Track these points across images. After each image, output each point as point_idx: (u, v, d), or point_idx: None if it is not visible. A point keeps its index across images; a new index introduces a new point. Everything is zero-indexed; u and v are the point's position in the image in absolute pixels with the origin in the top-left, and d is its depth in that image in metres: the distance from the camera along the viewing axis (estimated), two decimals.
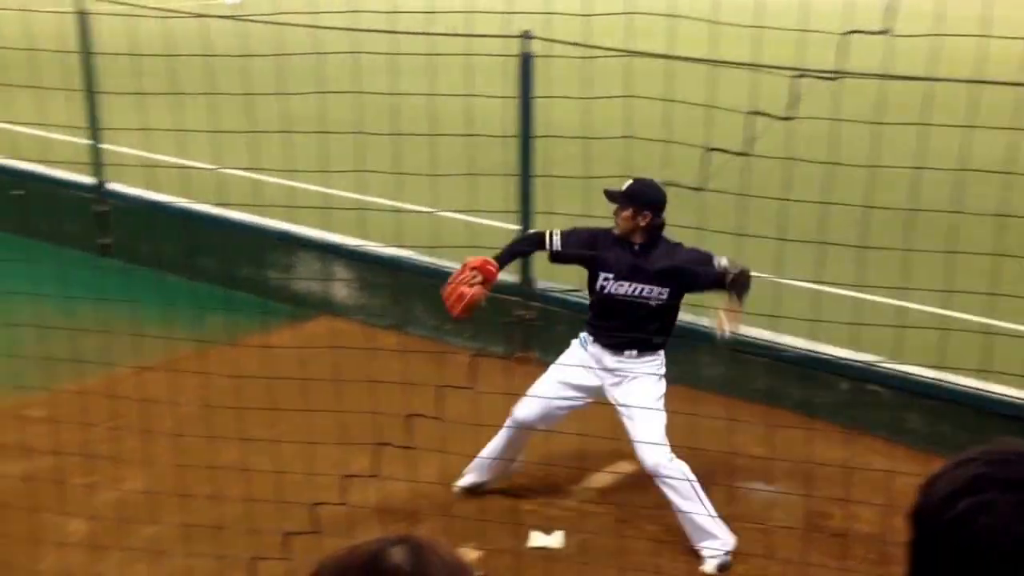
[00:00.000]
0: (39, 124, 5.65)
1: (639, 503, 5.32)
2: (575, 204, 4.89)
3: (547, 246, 4.95)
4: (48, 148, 8.04)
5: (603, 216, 4.75)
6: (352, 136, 4.76)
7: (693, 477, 4.79)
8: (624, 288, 4.83)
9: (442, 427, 3.89)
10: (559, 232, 4.92)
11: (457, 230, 5.53)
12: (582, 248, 4.85)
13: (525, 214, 6.77)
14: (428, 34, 4.16)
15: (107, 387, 4.67)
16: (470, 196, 5.22)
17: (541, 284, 6.88)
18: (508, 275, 6.83)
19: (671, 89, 4.06)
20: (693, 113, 4.31)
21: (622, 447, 5.37)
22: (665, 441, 4.79)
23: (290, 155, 5.04)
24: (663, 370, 4.94)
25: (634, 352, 4.96)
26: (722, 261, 4.78)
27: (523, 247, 5.38)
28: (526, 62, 6.41)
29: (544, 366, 6.50)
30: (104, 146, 8.43)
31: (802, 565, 4.53)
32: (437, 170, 5.06)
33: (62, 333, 4.68)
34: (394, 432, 3.83)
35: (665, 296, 4.85)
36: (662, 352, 4.96)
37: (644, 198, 4.73)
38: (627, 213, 4.72)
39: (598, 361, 4.96)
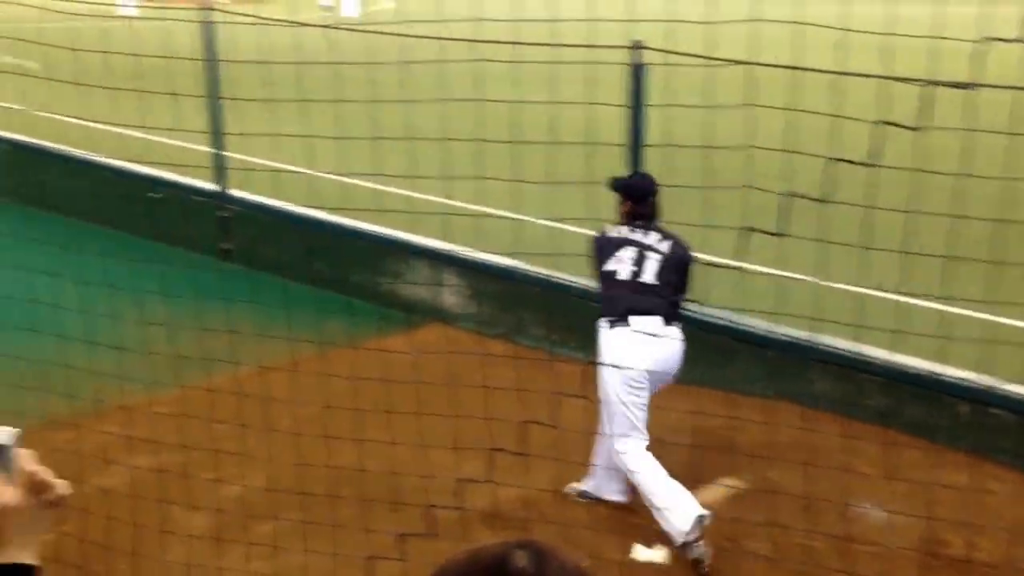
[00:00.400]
0: (162, 129, 5.87)
1: (747, 519, 5.25)
2: (694, 213, 4.88)
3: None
4: (176, 154, 8.36)
5: (721, 226, 4.72)
6: (471, 146, 4.84)
7: (640, 484, 4.86)
8: None
9: (554, 435, 3.91)
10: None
11: (574, 240, 5.56)
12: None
13: None
14: (542, 44, 4.19)
15: (232, 386, 4.84)
16: (586, 207, 5.25)
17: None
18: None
19: (795, 100, 4.00)
20: (818, 124, 4.24)
21: (733, 461, 5.31)
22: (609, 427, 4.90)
23: (411, 165, 5.14)
24: (599, 348, 4.98)
25: None
26: None
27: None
28: (637, 72, 6.41)
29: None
30: (228, 154, 8.73)
31: None
32: (554, 181, 5.10)
33: (189, 333, 4.87)
34: (506, 439, 3.86)
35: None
36: (600, 328, 5.02)
37: (618, 186, 5.17)
38: (617, 201, 5.17)
39: None
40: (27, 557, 1.58)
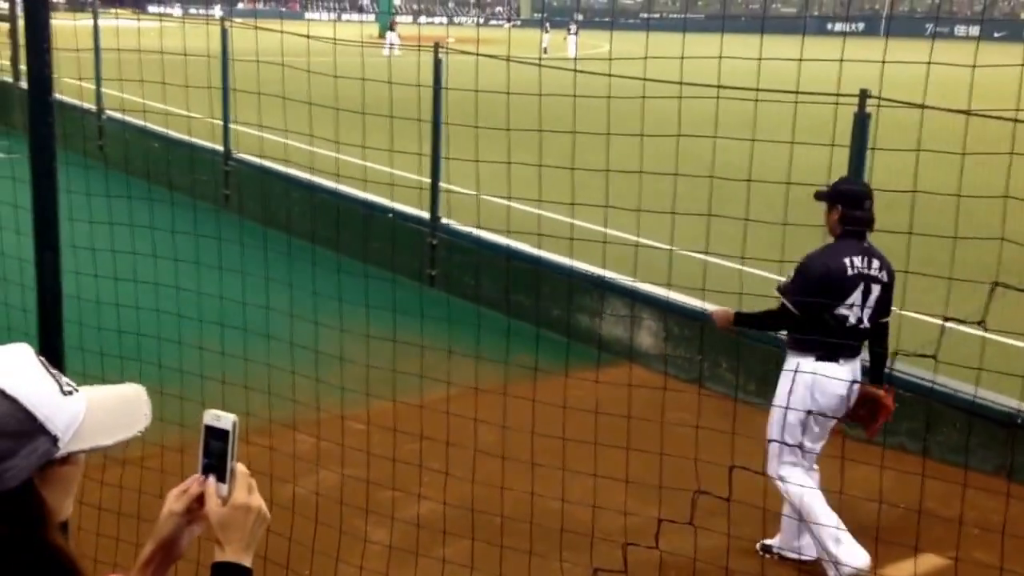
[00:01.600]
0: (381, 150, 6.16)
1: None
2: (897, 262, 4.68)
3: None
4: (393, 182, 8.73)
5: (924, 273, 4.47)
6: (687, 192, 4.82)
7: (804, 504, 4.78)
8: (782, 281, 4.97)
9: (760, 486, 3.79)
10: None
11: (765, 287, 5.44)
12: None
13: None
14: (778, 92, 4.14)
15: (429, 405, 4.98)
16: (784, 253, 5.11)
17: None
18: None
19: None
20: None
21: (936, 533, 5.00)
22: (776, 450, 4.83)
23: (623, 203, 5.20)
24: (789, 378, 4.81)
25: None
26: (784, 281, 4.83)
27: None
28: (862, 122, 6.22)
29: (849, 437, 6.19)
30: (443, 184, 9.06)
31: None
32: (758, 229, 5.00)
33: (386, 350, 5.05)
34: (709, 485, 3.80)
35: (790, 280, 4.84)
36: (795, 357, 4.86)
37: (833, 192, 4.88)
38: (824, 209, 4.94)
39: None
40: (246, 559, 1.66)
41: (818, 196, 4.97)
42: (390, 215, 9.36)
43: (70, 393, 1.44)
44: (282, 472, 4.79)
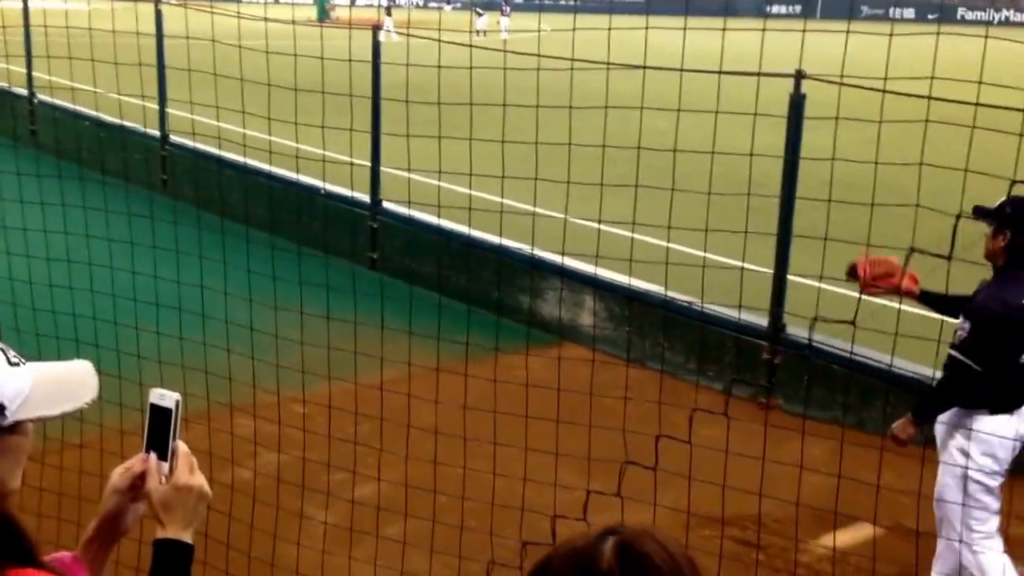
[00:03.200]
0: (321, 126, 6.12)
1: (881, 569, 5.07)
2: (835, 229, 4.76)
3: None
4: (335, 168, 8.69)
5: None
6: (619, 170, 4.87)
7: None
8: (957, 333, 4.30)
9: (685, 458, 3.87)
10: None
11: (709, 270, 5.52)
12: None
13: (783, 256, 6.65)
14: (701, 71, 4.19)
15: (371, 386, 4.99)
16: (726, 237, 5.17)
17: (791, 329, 6.72)
18: (756, 317, 6.75)
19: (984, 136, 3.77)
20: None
21: (869, 504, 5.14)
22: (955, 531, 4.32)
23: (551, 186, 5.22)
24: (967, 443, 4.28)
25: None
26: (960, 335, 4.26)
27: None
28: (797, 103, 6.31)
29: (786, 413, 6.30)
30: (383, 168, 9.03)
31: None
32: (695, 207, 5.07)
33: (337, 333, 5.06)
34: (642, 457, 3.87)
35: (966, 334, 4.20)
36: (973, 417, 4.27)
37: (1008, 213, 4.17)
38: (989, 232, 4.27)
39: None
40: (186, 536, 1.68)
41: (983, 214, 4.24)
42: (322, 193, 9.28)
43: (17, 364, 1.47)
44: (223, 453, 4.77)
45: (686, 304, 6.93)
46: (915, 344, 4.19)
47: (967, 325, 4.23)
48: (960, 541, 4.33)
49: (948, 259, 3.24)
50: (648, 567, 1.27)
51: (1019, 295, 4.14)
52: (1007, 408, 4.26)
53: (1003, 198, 4.17)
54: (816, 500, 4.75)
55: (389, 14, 35.85)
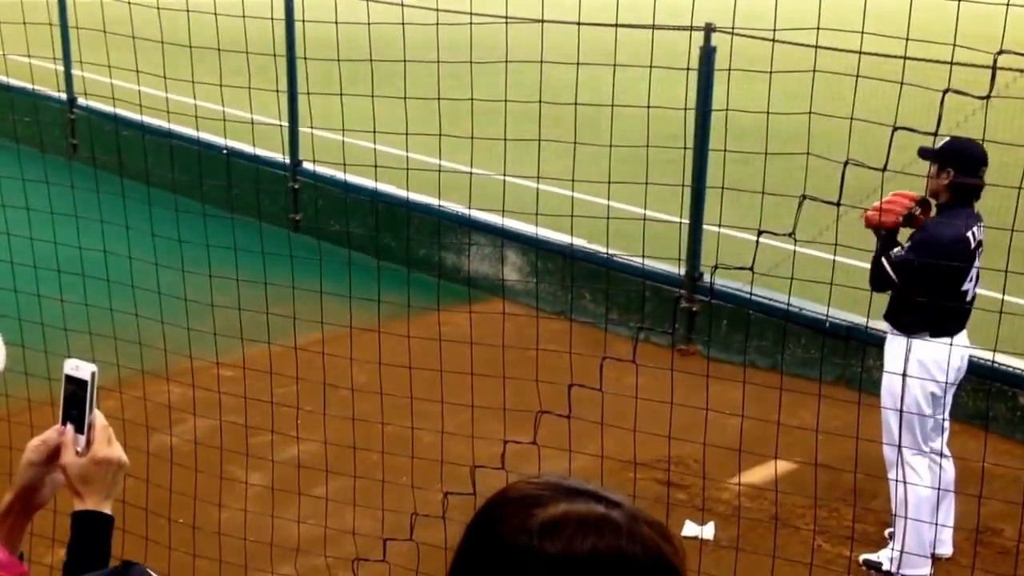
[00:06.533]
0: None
1: (794, 501, 5.29)
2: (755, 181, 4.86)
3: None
4: (253, 129, 8.56)
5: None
6: (533, 124, 4.90)
7: (918, 500, 4.58)
8: (895, 250, 4.59)
9: (597, 408, 4.00)
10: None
11: (627, 222, 5.61)
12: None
13: (697, 206, 6.78)
14: (603, 25, 4.24)
15: (293, 350, 5.02)
16: (641, 188, 5.25)
17: (707, 277, 6.90)
18: (672, 266, 6.89)
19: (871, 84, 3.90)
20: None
21: (783, 441, 5.35)
22: (892, 436, 4.59)
23: (471, 143, 5.24)
24: (901, 361, 4.52)
25: (887, 325, 4.76)
26: (892, 251, 4.57)
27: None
28: (708, 55, 6.40)
29: (706, 359, 6.47)
30: (302, 129, 8.93)
31: None
32: (612, 161, 5.13)
33: (256, 297, 5.06)
34: (555, 409, 3.97)
35: (903, 252, 4.49)
36: (909, 339, 4.54)
37: (947, 152, 4.49)
38: (932, 171, 4.57)
39: None
40: (106, 508, 1.68)
41: (926, 155, 4.55)
42: (223, 152, 9.16)
43: None
44: (156, 422, 4.77)
45: (605, 256, 7.05)
46: (821, 288, 4.36)
47: (905, 247, 4.54)
48: (898, 446, 4.62)
49: (837, 205, 3.37)
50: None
51: (961, 227, 4.47)
52: (947, 331, 4.54)
53: (946, 138, 4.45)
54: (735, 440, 4.93)
55: None
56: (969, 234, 4.51)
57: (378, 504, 4.48)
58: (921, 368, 4.56)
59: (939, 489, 4.63)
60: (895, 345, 4.67)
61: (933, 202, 4.59)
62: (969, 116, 3.82)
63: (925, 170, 4.61)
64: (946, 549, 4.92)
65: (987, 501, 4.72)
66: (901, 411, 4.41)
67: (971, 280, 4.59)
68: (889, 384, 4.64)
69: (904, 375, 4.42)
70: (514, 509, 1.20)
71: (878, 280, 4.62)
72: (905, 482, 4.57)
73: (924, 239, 4.51)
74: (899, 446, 4.56)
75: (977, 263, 4.59)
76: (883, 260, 4.56)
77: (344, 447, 4.77)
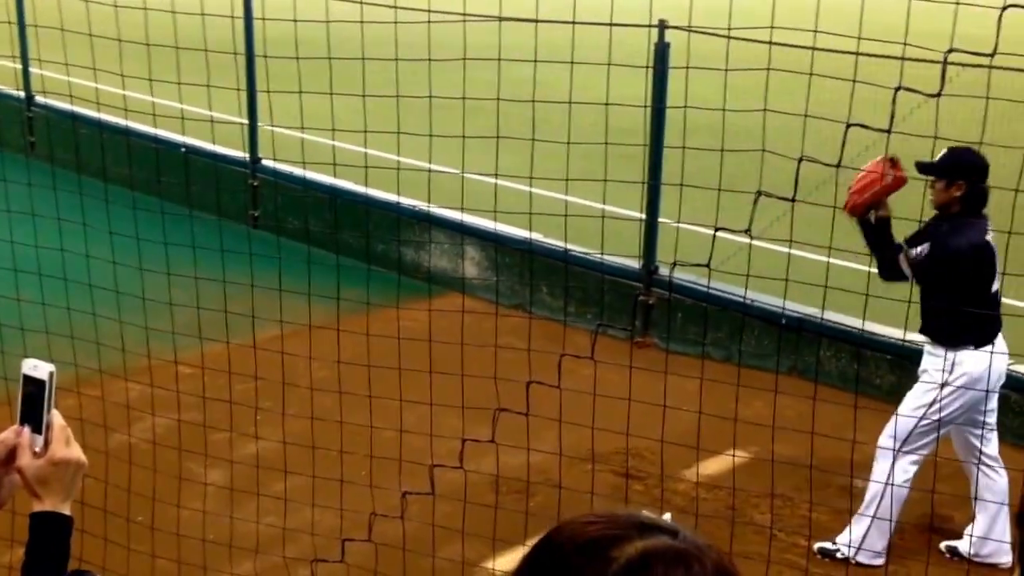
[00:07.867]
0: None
1: (751, 491, 5.38)
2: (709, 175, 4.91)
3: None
4: (212, 126, 8.52)
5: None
6: (491, 122, 4.93)
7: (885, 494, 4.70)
8: (913, 251, 4.67)
9: (556, 403, 4.05)
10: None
11: (586, 217, 5.66)
12: None
13: (653, 202, 6.85)
14: (559, 22, 4.28)
15: (251, 349, 5.02)
16: (600, 184, 5.30)
17: (663, 271, 6.97)
18: (630, 260, 6.97)
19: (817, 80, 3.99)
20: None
21: (738, 432, 5.43)
22: (890, 441, 4.70)
23: (430, 140, 5.26)
24: (940, 376, 4.57)
25: (927, 340, 4.80)
26: (911, 252, 4.66)
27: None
28: (662, 52, 6.47)
29: (663, 352, 6.54)
30: (261, 125, 8.89)
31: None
32: (570, 156, 5.18)
33: (215, 295, 5.06)
34: (514, 404, 4.01)
35: (922, 257, 4.58)
36: (950, 353, 4.57)
37: (956, 165, 4.53)
38: (940, 185, 4.59)
39: None
40: (64, 509, 1.67)
41: (930, 169, 4.56)
42: (182, 150, 9.12)
43: None
44: (115, 421, 4.76)
45: (561, 250, 7.10)
46: (774, 284, 4.44)
47: (923, 250, 4.61)
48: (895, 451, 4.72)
49: (792, 201, 3.43)
50: None
51: (980, 234, 4.56)
52: (990, 341, 4.59)
53: (943, 151, 4.50)
54: (691, 432, 5.01)
55: None
56: (988, 238, 4.60)
57: (337, 503, 4.50)
58: (970, 380, 4.59)
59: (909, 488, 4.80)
60: (935, 360, 4.70)
61: (899, 158, 4.62)
62: (915, 109, 3.90)
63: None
64: (1005, 558, 4.85)
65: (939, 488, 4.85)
66: (921, 417, 4.62)
67: (999, 280, 4.67)
68: (922, 392, 4.71)
69: (942, 384, 4.55)
70: (586, 558, 1.11)
71: (890, 274, 4.75)
72: (893, 481, 4.72)
73: (947, 254, 4.57)
74: (897, 449, 4.69)
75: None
76: (900, 258, 4.67)
77: (303, 445, 4.78)
